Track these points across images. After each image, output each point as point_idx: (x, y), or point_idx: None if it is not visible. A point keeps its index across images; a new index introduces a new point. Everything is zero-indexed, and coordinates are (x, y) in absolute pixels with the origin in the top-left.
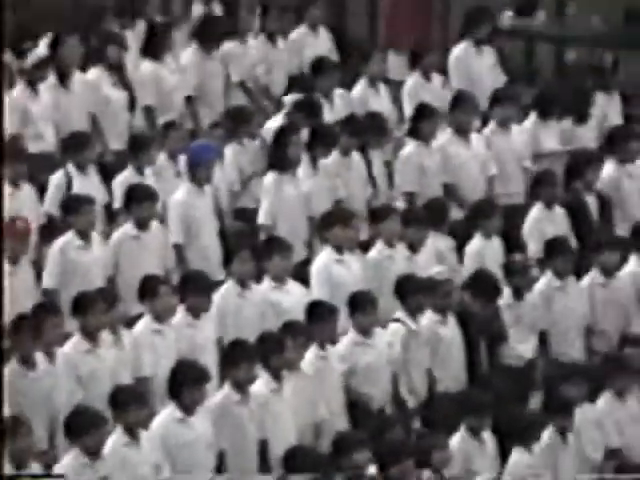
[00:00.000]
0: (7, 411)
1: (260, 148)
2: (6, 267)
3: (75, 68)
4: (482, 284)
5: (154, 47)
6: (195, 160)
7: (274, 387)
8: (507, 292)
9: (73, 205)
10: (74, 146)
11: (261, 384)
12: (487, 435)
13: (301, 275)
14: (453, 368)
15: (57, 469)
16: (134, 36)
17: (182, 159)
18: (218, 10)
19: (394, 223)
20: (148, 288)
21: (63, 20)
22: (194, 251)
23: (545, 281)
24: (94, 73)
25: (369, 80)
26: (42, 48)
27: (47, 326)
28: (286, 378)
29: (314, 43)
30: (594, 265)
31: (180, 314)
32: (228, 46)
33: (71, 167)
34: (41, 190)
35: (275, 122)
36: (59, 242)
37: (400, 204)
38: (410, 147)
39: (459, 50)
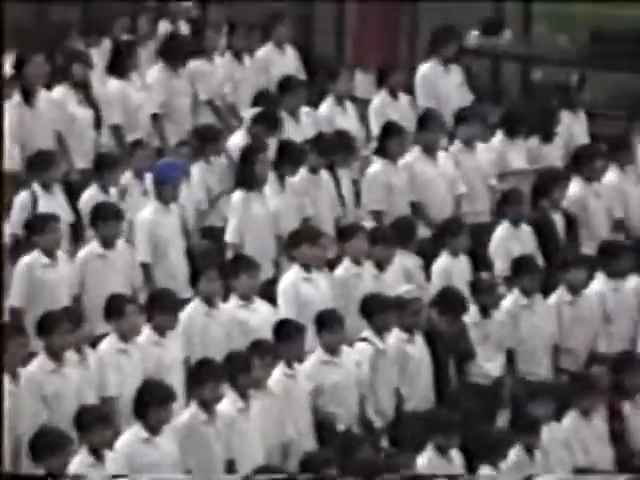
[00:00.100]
0: None
1: (227, 166)
2: None
3: (40, 86)
4: (448, 301)
5: (120, 65)
6: (161, 178)
7: (241, 406)
8: (474, 310)
9: (39, 224)
10: (39, 165)
11: (228, 403)
12: (455, 453)
13: (268, 294)
14: (421, 387)
15: None
16: (99, 54)
17: (148, 177)
18: (185, 28)
19: (361, 241)
20: (114, 307)
21: (28, 38)
22: (161, 270)
23: (512, 299)
24: (59, 91)
25: (336, 98)
26: (6, 66)
27: (12, 346)
28: (253, 397)
29: (281, 61)
30: (561, 283)
31: (146, 333)
32: (195, 64)
33: (36, 186)
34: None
35: (237, 137)
36: (25, 260)
37: (367, 222)
38: (377, 165)
39: (426, 69)
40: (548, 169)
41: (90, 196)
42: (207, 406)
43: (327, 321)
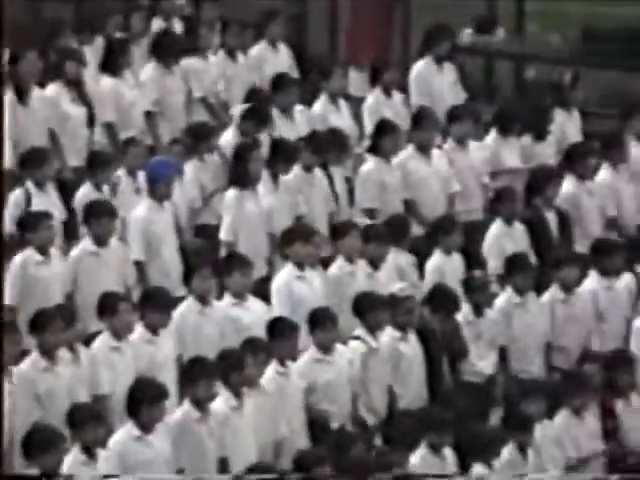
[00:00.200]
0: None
1: (221, 164)
2: None
3: (33, 84)
4: (440, 299)
5: (113, 63)
6: (154, 176)
7: (234, 404)
8: (467, 308)
9: (32, 221)
10: (32, 162)
11: (221, 401)
12: (448, 452)
13: (262, 292)
14: (414, 385)
15: None
16: (93, 52)
17: (141, 175)
18: (178, 26)
19: (354, 239)
20: (107, 305)
21: (21, 35)
22: (154, 267)
23: (505, 297)
24: (52, 89)
25: (329, 96)
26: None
27: (5, 344)
28: (246, 395)
29: (274, 59)
30: (554, 281)
31: (138, 331)
32: (189, 62)
33: (29, 184)
34: None
35: (228, 135)
36: (19, 258)
37: (361, 220)
38: (371, 163)
39: (420, 67)
40: (541, 167)
41: (84, 194)
42: (200, 404)
43: (320, 319)
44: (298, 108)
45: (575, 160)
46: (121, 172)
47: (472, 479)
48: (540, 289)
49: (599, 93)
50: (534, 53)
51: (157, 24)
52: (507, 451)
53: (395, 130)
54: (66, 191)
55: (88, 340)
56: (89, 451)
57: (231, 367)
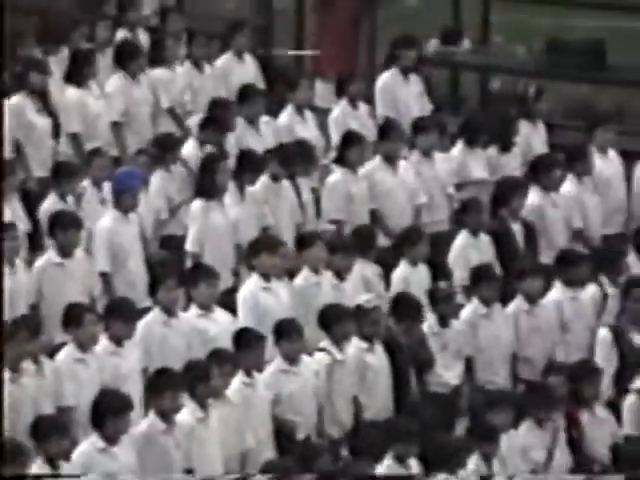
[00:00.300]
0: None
1: (187, 175)
2: None
3: None
4: (404, 307)
5: (78, 73)
6: (120, 187)
7: (200, 416)
8: (433, 319)
9: None
10: None
11: (187, 413)
12: (413, 462)
13: (228, 303)
14: (380, 396)
15: None
16: (58, 62)
17: (107, 186)
18: (144, 37)
19: (319, 250)
20: (72, 316)
21: None
22: (120, 279)
23: (471, 308)
24: (17, 99)
25: (296, 107)
26: None
27: None
28: (212, 406)
29: (240, 70)
30: (518, 292)
31: (103, 342)
32: (155, 73)
33: None
34: None
35: (188, 145)
36: None
37: (327, 231)
38: (337, 174)
39: (386, 78)
40: (507, 178)
41: (49, 205)
42: (166, 416)
43: (286, 330)
44: (264, 119)
45: (540, 172)
46: (86, 183)
47: None
48: (505, 300)
49: (564, 105)
50: (499, 64)
51: (122, 35)
52: (472, 461)
53: (361, 141)
54: (30, 202)
55: (53, 352)
56: (53, 463)
57: (197, 378)
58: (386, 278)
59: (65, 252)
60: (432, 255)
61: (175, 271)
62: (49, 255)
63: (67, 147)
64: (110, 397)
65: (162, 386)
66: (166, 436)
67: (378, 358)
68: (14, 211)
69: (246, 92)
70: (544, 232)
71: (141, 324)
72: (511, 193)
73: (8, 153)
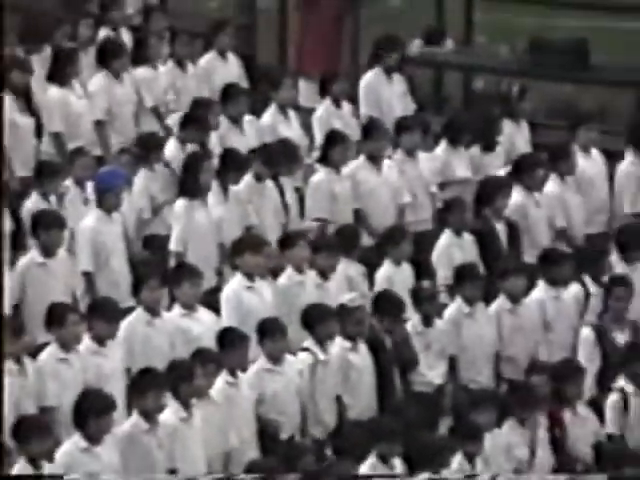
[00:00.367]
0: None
1: (170, 175)
2: None
3: None
4: (386, 304)
5: (61, 72)
6: (103, 187)
7: (183, 416)
8: (416, 318)
9: None
10: None
11: (170, 413)
12: (397, 461)
13: (211, 302)
14: (364, 395)
15: None
16: (40, 61)
17: (90, 186)
18: (126, 36)
19: (303, 249)
20: (55, 316)
21: None
22: (103, 278)
23: (454, 307)
24: None
25: (279, 107)
26: None
27: None
28: (196, 406)
29: (223, 69)
30: (501, 291)
31: (85, 342)
32: (139, 72)
33: None
34: None
35: (170, 145)
36: None
37: (310, 230)
38: (321, 174)
39: (369, 78)
40: (490, 178)
41: (31, 204)
42: (149, 415)
43: (269, 330)
44: (247, 118)
45: (523, 171)
46: (69, 182)
47: None
48: (488, 299)
49: (547, 104)
50: (482, 64)
51: (105, 34)
52: (456, 460)
53: (345, 141)
54: (12, 201)
55: (35, 351)
56: (35, 463)
57: (180, 378)
58: (370, 277)
59: (48, 252)
60: (416, 254)
61: (158, 271)
62: (32, 255)
63: (49, 146)
64: (93, 397)
65: (145, 386)
66: (149, 436)
67: (362, 357)
68: None
69: (229, 91)
70: (527, 231)
71: (124, 324)
72: (494, 192)
73: None
